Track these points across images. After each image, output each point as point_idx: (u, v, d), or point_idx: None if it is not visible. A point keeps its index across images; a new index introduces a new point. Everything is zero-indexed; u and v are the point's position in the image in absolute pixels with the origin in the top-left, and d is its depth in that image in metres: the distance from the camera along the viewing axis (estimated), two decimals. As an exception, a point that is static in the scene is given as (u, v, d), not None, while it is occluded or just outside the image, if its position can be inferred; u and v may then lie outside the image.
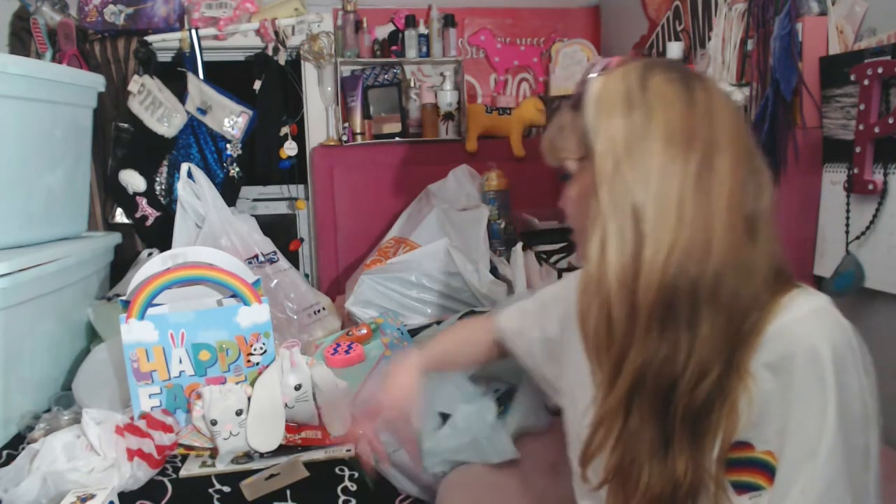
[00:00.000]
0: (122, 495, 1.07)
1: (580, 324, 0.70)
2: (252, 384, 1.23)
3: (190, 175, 1.73)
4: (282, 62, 2.05)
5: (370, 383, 1.25)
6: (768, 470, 0.62)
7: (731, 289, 0.62)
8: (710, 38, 1.55)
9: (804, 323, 0.62)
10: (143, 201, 1.95)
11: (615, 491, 0.69)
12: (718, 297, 0.62)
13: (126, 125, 1.95)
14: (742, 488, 0.64)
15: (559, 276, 1.43)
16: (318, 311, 1.72)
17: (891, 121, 1.04)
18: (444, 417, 1.07)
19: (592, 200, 0.66)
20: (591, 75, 0.70)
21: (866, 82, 1.07)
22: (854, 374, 0.61)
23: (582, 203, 0.71)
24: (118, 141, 1.95)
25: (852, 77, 1.10)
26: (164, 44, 1.97)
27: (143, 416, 1.22)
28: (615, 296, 0.64)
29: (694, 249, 0.62)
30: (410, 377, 0.98)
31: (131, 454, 1.10)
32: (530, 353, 0.97)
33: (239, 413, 1.18)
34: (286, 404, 1.22)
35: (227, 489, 1.11)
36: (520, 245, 1.67)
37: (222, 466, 1.18)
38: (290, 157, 2.09)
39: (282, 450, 1.21)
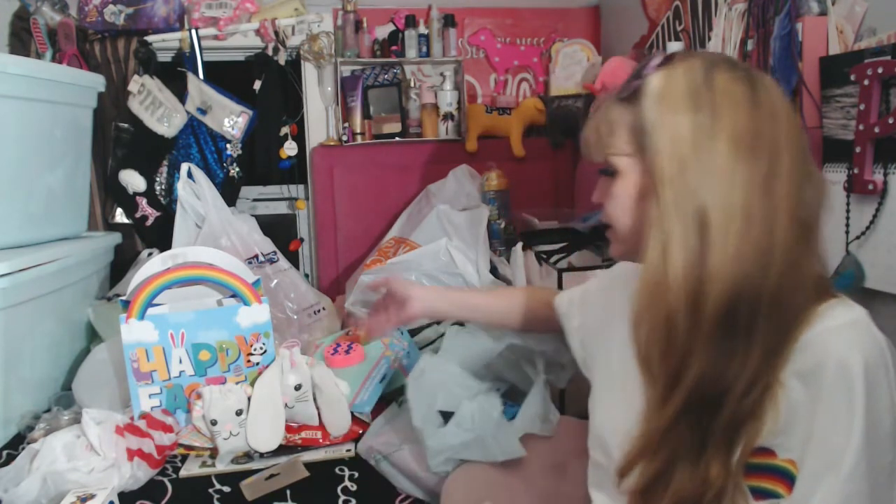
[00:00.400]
0: (122, 495, 1.07)
1: (633, 330, 0.68)
2: (252, 384, 1.23)
3: (190, 175, 1.73)
4: (282, 62, 2.05)
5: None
6: (788, 478, 0.62)
7: (788, 296, 0.61)
8: (710, 38, 1.55)
9: (838, 334, 0.61)
10: (143, 201, 1.95)
11: (643, 492, 0.68)
12: (777, 305, 0.61)
13: (126, 125, 1.95)
14: (760, 494, 0.63)
15: (559, 276, 1.43)
16: (318, 311, 1.72)
17: (891, 121, 1.03)
18: (446, 417, 1.07)
19: (650, 201, 0.64)
20: (648, 70, 0.66)
21: (866, 82, 1.07)
22: (886, 391, 0.60)
23: (631, 202, 0.69)
24: (118, 141, 1.95)
25: (852, 77, 1.10)
26: (164, 44, 1.97)
27: (143, 416, 1.22)
28: (678, 303, 0.62)
29: (759, 256, 0.61)
30: (431, 290, 1.17)
31: (131, 454, 1.10)
32: (570, 337, 0.99)
33: (239, 413, 1.18)
34: (286, 404, 1.22)
35: (227, 489, 1.11)
36: (520, 245, 1.66)
37: (222, 466, 1.18)
38: (290, 157, 2.09)
39: (282, 450, 1.21)
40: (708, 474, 0.63)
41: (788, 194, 0.62)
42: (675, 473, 0.64)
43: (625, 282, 0.88)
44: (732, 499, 0.63)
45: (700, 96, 0.63)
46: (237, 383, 1.25)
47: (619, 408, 0.78)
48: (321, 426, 1.24)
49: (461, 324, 1.44)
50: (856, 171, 1.10)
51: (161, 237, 1.89)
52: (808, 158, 0.65)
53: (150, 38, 1.94)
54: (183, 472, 1.17)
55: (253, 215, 1.83)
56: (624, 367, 0.80)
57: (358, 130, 2.11)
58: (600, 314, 0.90)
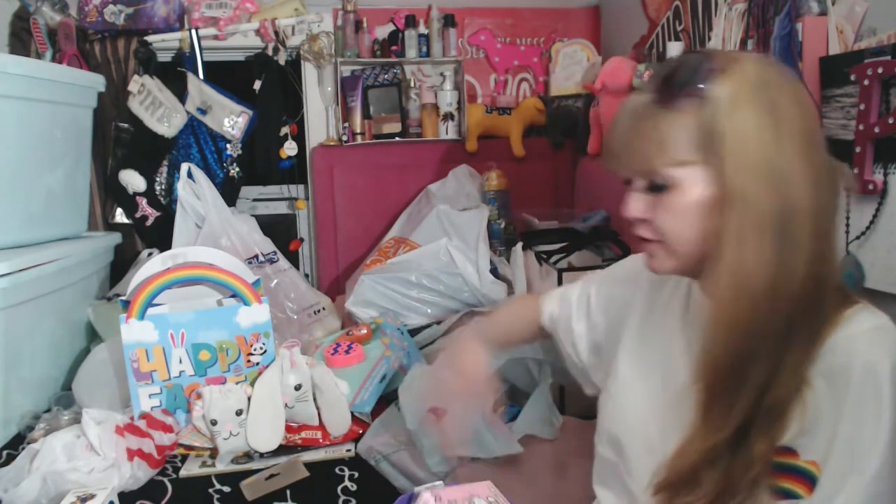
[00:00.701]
0: (122, 495, 1.07)
1: (710, 344, 0.65)
2: (252, 384, 1.23)
3: (190, 175, 1.73)
4: (282, 62, 2.05)
5: (434, 368, 1.09)
6: (809, 479, 0.62)
7: (823, 293, 0.63)
8: (710, 38, 1.55)
9: (864, 338, 0.61)
10: (143, 201, 1.95)
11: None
12: (816, 302, 0.62)
13: (126, 125, 1.95)
14: (780, 494, 0.63)
15: (559, 276, 1.43)
16: (318, 311, 1.72)
17: (891, 121, 1.03)
18: (440, 416, 1.07)
19: (718, 210, 0.63)
20: (705, 74, 0.63)
21: (866, 82, 1.07)
22: None
23: (694, 214, 0.66)
24: (118, 141, 1.95)
25: (852, 77, 1.10)
26: (164, 44, 1.97)
27: (143, 416, 1.22)
28: (763, 312, 0.61)
29: (818, 255, 0.62)
30: (478, 353, 0.94)
31: (131, 454, 1.10)
32: (569, 341, 0.96)
33: (239, 413, 1.18)
34: (286, 404, 1.22)
35: (227, 489, 1.11)
36: (520, 245, 1.67)
37: (222, 466, 1.18)
38: (290, 157, 2.09)
39: (282, 450, 1.21)
40: (751, 458, 0.62)
41: (833, 191, 0.63)
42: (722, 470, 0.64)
43: (629, 281, 0.87)
44: (757, 494, 0.63)
45: (768, 98, 0.62)
46: (237, 383, 1.25)
47: (636, 406, 0.78)
48: (321, 426, 1.24)
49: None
50: (856, 171, 1.10)
51: (161, 237, 1.89)
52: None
53: (150, 38, 1.94)
54: (183, 472, 1.17)
55: (253, 215, 1.83)
56: (638, 365, 0.80)
57: (358, 130, 2.11)
58: (606, 315, 0.90)
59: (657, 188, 0.67)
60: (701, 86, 0.63)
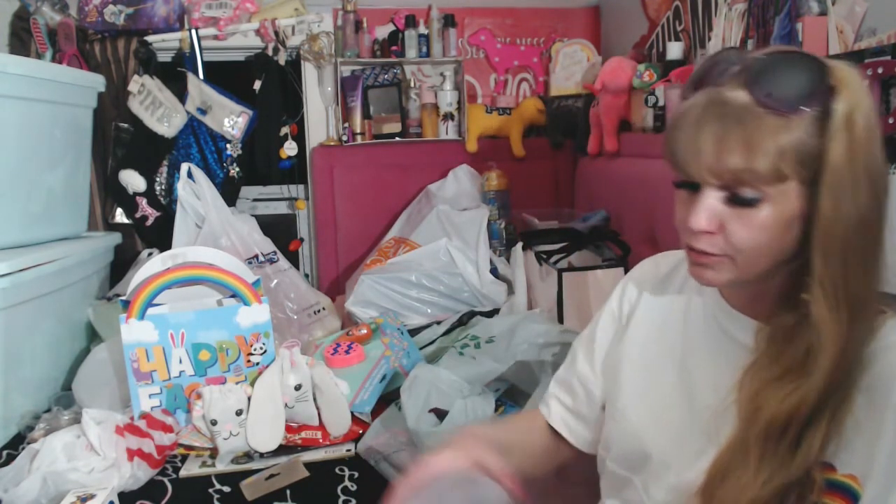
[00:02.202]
0: (122, 495, 1.07)
1: (811, 381, 0.60)
2: (252, 384, 1.23)
3: (190, 175, 1.73)
4: (282, 62, 2.05)
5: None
6: (850, 494, 0.60)
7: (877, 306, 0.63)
8: (710, 38, 1.55)
9: None
10: (143, 201, 1.95)
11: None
12: (874, 317, 0.62)
13: (126, 125, 1.95)
14: None
15: (559, 276, 1.43)
16: (318, 311, 1.72)
17: (891, 121, 1.03)
18: (441, 417, 1.07)
19: (803, 226, 0.60)
20: (828, 91, 0.59)
21: (866, 82, 1.07)
22: None
23: (780, 230, 0.61)
24: (118, 141, 1.95)
25: (852, 77, 1.10)
26: (164, 44, 1.97)
27: (143, 416, 1.22)
28: (855, 329, 0.60)
29: (880, 269, 0.62)
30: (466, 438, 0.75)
31: (131, 454, 1.10)
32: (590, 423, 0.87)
33: (239, 413, 1.18)
34: (286, 404, 1.22)
35: (227, 489, 1.12)
36: (520, 245, 1.67)
37: (222, 466, 1.18)
38: (290, 157, 2.09)
39: (282, 450, 1.21)
40: (813, 486, 0.61)
41: (888, 201, 0.64)
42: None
43: (628, 293, 0.85)
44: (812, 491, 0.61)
45: (867, 117, 0.59)
46: (237, 383, 1.25)
47: (649, 423, 0.76)
48: (321, 426, 1.24)
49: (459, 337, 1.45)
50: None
51: (161, 237, 1.89)
52: None
53: (150, 38, 1.94)
54: (183, 472, 1.17)
55: (253, 215, 1.84)
56: (645, 378, 0.78)
57: (358, 130, 2.11)
58: (611, 346, 0.85)
59: (742, 201, 0.60)
60: (822, 102, 0.59)
